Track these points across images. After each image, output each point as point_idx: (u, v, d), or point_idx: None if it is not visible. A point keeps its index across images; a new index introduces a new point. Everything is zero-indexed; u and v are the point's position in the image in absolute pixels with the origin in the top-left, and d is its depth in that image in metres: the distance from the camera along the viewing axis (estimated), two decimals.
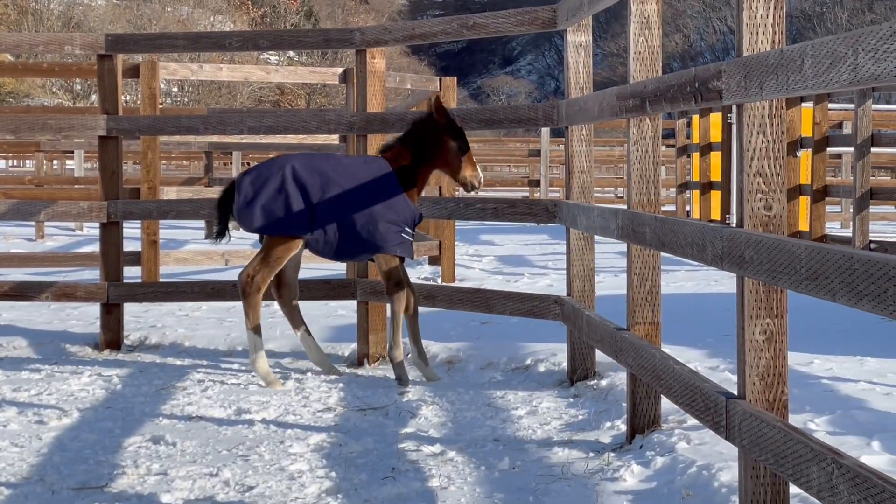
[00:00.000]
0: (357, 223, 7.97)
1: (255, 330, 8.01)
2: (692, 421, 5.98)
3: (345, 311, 8.69)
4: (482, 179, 8.22)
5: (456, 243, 14.58)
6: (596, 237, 7.65)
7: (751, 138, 4.32)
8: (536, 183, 28.65)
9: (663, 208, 6.37)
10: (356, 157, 8.47)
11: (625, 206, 6.27)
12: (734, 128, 17.83)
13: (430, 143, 8.13)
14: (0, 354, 9.21)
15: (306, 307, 10.93)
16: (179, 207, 9.60)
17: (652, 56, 6.13)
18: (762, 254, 3.93)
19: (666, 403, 6.12)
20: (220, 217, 8.14)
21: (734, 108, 17.17)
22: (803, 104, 16.20)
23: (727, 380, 6.91)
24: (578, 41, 7.75)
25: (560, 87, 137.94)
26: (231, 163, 26.36)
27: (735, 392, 4.53)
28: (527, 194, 32.86)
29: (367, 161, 8.22)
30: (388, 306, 8.41)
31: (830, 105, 16.61)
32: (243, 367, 8.36)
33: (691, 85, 4.82)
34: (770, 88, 3.90)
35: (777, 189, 4.33)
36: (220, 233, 8.18)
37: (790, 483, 4.07)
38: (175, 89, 71.28)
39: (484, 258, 17.56)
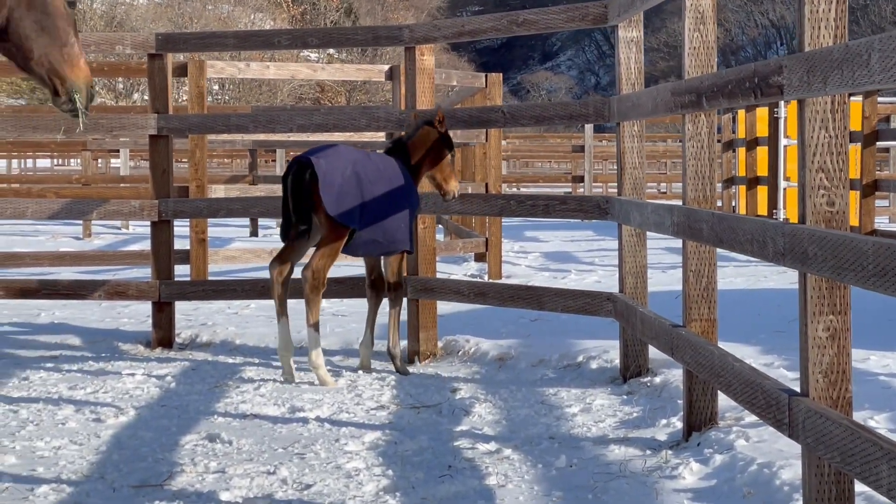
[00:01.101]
0: (393, 221, 8.08)
1: (316, 326, 8.01)
2: (750, 418, 5.95)
3: None
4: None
5: (502, 240, 14.55)
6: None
7: (813, 134, 4.29)
8: (580, 179, 28.55)
9: None
10: (380, 154, 8.52)
11: (675, 202, 6.24)
12: (780, 123, 17.75)
13: (433, 150, 8.47)
14: (55, 352, 9.27)
15: (356, 304, 10.95)
16: (229, 206, 9.63)
17: (707, 51, 6.10)
18: (826, 250, 3.91)
19: (722, 400, 6.09)
20: (299, 206, 8.02)
21: (781, 103, 17.13)
22: (852, 98, 16.09)
23: (783, 377, 6.87)
24: (630, 37, 7.73)
25: (600, 83, 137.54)
26: (275, 160, 26.44)
27: (797, 389, 4.50)
28: (569, 190, 32.78)
29: (390, 160, 8.32)
30: (391, 301, 8.60)
31: (878, 98, 16.49)
32: (294, 365, 8.36)
33: (750, 80, 4.78)
34: (834, 83, 3.87)
35: (840, 185, 4.30)
36: (302, 220, 8.06)
37: (856, 481, 4.05)
38: (216, 87, 71.50)
39: (530, 255, 17.55)
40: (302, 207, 8.00)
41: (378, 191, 8.04)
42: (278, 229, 8.37)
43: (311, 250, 8.28)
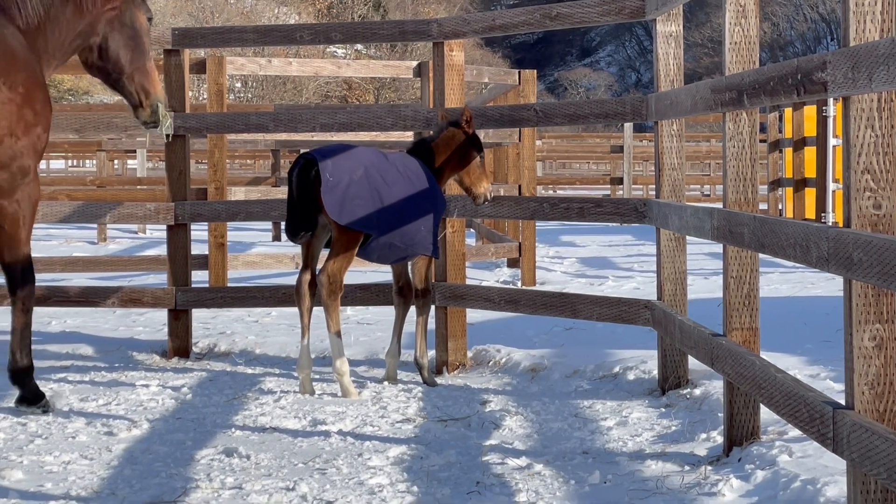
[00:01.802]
0: (413, 225, 8.06)
1: (338, 334, 8.01)
2: (794, 432, 5.93)
3: None
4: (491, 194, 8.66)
5: (536, 244, 14.54)
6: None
7: (858, 133, 4.27)
8: (619, 181, 28.52)
9: None
10: (402, 154, 8.47)
11: (718, 205, 6.22)
12: (830, 122, 17.66)
13: (458, 152, 8.46)
14: (66, 362, 9.31)
15: (382, 312, 10.97)
16: (249, 209, 9.65)
17: (749, 47, 6.08)
18: (872, 255, 3.89)
19: (765, 414, 6.07)
20: (304, 205, 7.99)
21: (829, 101, 17.05)
22: None
23: (829, 388, 6.85)
24: (668, 31, 7.71)
25: (641, 80, 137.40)
26: None
27: (842, 402, 4.48)
28: (608, 192, 32.74)
29: (412, 161, 8.28)
30: (418, 309, 8.57)
31: None
32: (316, 376, 8.38)
33: (793, 77, 4.77)
34: (880, 80, 3.86)
35: (887, 186, 4.28)
36: (306, 225, 8.07)
37: None
38: (238, 84, 71.69)
39: (565, 260, 17.53)
40: (307, 207, 7.98)
41: (396, 194, 8.01)
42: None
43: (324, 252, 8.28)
